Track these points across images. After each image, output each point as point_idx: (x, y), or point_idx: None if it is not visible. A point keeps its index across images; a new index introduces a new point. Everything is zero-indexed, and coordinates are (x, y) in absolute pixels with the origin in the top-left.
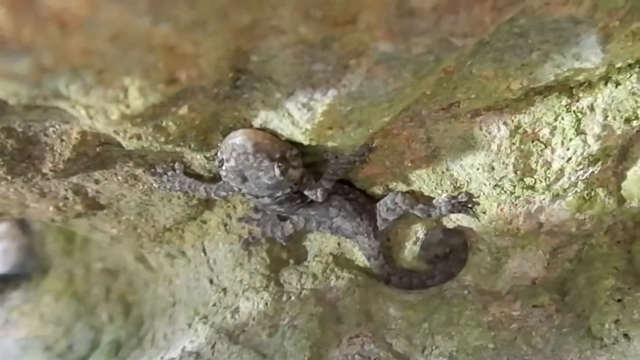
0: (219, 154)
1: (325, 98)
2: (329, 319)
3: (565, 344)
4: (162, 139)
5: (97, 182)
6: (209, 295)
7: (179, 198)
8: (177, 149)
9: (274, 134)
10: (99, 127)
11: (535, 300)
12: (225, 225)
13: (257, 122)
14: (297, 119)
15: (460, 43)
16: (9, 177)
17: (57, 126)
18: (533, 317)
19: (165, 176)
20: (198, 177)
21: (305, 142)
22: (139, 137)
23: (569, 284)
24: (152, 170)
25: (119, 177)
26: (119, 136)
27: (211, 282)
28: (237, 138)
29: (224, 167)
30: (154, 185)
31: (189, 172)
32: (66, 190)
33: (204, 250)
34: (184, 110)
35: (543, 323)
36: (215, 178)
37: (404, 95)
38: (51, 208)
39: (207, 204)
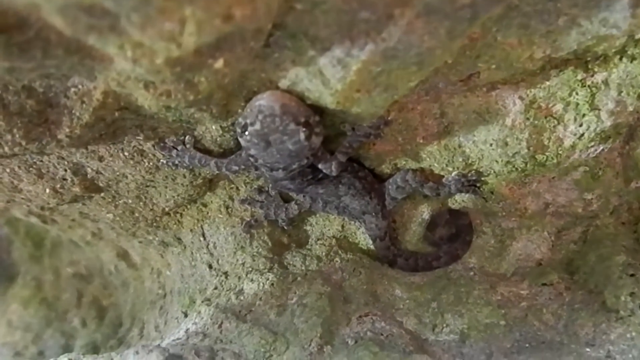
0: (240, 119)
1: (362, 54)
2: (336, 298)
3: (578, 319)
4: (191, 97)
5: (101, 159)
6: (208, 281)
7: (184, 177)
8: (198, 115)
9: (299, 98)
10: (138, 75)
11: (543, 279)
12: (227, 207)
13: (284, 84)
14: (329, 77)
15: None
16: (23, 143)
17: (80, 86)
18: (542, 296)
19: (175, 151)
20: (208, 152)
21: (332, 106)
22: (168, 94)
23: (577, 263)
24: (162, 144)
25: (125, 153)
26: (148, 92)
27: (210, 267)
28: (265, 99)
29: (247, 132)
30: (162, 161)
31: (198, 147)
32: (65, 170)
33: (203, 235)
34: (219, 63)
35: (553, 300)
36: (225, 153)
37: (433, 58)
38: (47, 190)
39: (211, 184)
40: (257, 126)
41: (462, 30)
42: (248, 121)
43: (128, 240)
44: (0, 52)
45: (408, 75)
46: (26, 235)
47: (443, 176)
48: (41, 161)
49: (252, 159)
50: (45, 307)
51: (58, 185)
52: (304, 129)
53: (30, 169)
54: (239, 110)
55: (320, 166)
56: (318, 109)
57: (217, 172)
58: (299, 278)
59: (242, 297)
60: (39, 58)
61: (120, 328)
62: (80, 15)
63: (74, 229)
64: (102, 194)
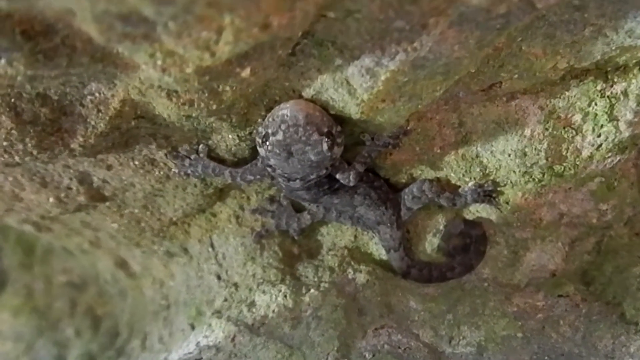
0: (261, 129)
1: (391, 63)
2: (351, 310)
3: (596, 331)
4: (214, 107)
5: (109, 168)
6: (216, 292)
7: (195, 186)
8: (217, 124)
9: (323, 107)
10: (164, 84)
11: (559, 290)
12: (237, 217)
13: (308, 93)
14: (355, 87)
15: (540, 4)
16: (34, 152)
17: (97, 94)
18: (558, 307)
19: (188, 160)
20: (221, 161)
21: (356, 116)
22: (191, 103)
23: (592, 274)
24: (175, 153)
25: (136, 162)
26: (171, 101)
27: (219, 277)
28: (289, 109)
29: (268, 142)
30: (173, 170)
31: (212, 156)
32: (71, 179)
33: (211, 245)
34: (246, 72)
35: (569, 312)
36: (239, 163)
37: (460, 68)
38: (51, 199)
39: (221, 194)
40: (280, 136)
41: (491, 39)
42: (270, 131)
43: (128, 250)
44: (26, 60)
45: (433, 84)
46: (16, 242)
47: (459, 186)
48: (45, 169)
49: (269, 169)
50: (36, 316)
51: (62, 195)
52: (326, 140)
53: (34, 177)
54: (259, 120)
55: (337, 176)
56: (338, 119)
57: (231, 182)
58: (312, 290)
59: (254, 310)
60: (64, 66)
61: (117, 338)
62: (116, 23)
63: (70, 237)
64: (108, 203)
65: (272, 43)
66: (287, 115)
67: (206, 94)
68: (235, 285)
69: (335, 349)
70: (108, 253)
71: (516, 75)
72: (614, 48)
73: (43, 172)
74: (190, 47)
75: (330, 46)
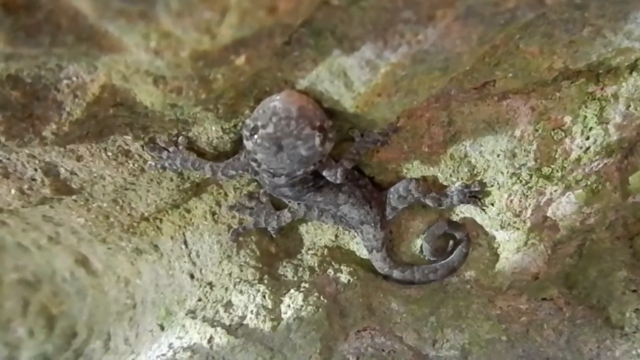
0: (249, 121)
1: (393, 56)
2: (333, 312)
3: (581, 335)
4: (203, 96)
5: (79, 158)
6: (188, 291)
7: (171, 180)
8: (202, 114)
9: (315, 100)
10: (152, 68)
11: (543, 293)
12: (214, 214)
13: (301, 84)
14: (353, 79)
15: (550, 0)
16: (2, 139)
17: (75, 78)
18: (542, 310)
19: (166, 152)
20: (200, 154)
21: (350, 110)
22: (179, 91)
23: (575, 278)
24: (152, 144)
25: (109, 153)
26: (157, 88)
27: (192, 276)
28: (280, 101)
29: (257, 135)
30: (150, 163)
31: (191, 149)
32: (35, 170)
33: (185, 242)
34: (240, 60)
35: (553, 316)
36: (219, 156)
37: (458, 64)
38: (13, 191)
39: (197, 189)
40: (270, 129)
41: (492, 36)
42: (259, 123)
43: (90, 246)
44: (5, 36)
45: (430, 80)
46: None
47: (446, 186)
48: (8, 159)
49: (254, 164)
50: None
51: (26, 186)
52: (319, 134)
53: None
54: (246, 111)
55: (324, 173)
56: (329, 113)
57: (211, 176)
58: (292, 290)
59: (231, 310)
60: (46, 45)
61: (75, 339)
62: None
63: (27, 232)
64: (74, 197)
65: (272, 29)
66: (279, 107)
67: (196, 82)
68: (210, 284)
69: (318, 351)
70: (67, 249)
71: (511, 74)
72: (610, 50)
73: (6, 161)
74: (190, 28)
75: (329, 36)
